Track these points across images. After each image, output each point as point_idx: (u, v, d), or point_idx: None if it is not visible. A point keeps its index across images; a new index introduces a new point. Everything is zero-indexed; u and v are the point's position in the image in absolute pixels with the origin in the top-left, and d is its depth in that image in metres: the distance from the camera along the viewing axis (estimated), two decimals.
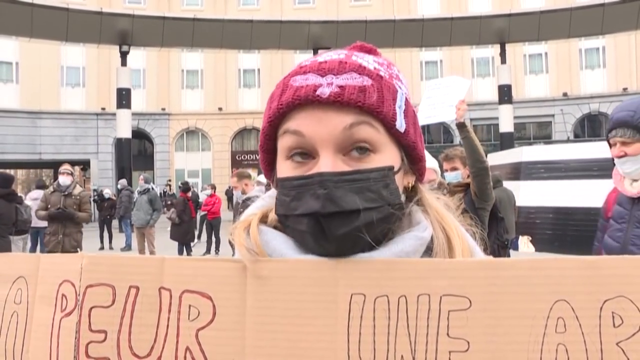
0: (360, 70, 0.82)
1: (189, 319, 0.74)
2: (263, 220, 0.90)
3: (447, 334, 0.69)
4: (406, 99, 0.88)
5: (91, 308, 0.78)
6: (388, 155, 0.83)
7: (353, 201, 0.75)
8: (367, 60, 0.85)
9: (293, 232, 0.81)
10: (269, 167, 0.92)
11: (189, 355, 0.74)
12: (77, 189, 8.51)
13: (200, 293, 0.75)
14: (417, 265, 0.73)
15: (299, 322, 0.72)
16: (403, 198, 0.85)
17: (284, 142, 0.83)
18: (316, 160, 0.80)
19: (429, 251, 0.85)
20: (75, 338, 0.77)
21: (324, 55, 0.87)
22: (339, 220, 0.75)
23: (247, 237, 0.83)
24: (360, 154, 0.80)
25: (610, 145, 2.53)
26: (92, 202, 14.28)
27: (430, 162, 2.41)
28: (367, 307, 0.71)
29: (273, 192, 0.94)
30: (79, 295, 0.78)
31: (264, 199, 0.95)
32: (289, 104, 0.81)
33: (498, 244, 4.52)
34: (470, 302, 0.70)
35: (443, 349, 0.69)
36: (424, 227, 0.85)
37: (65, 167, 8.49)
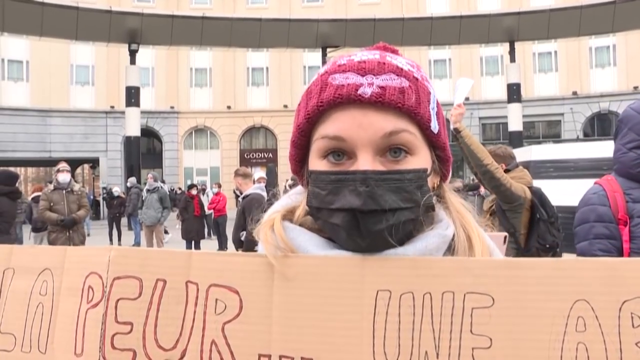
0: (398, 71, 0.83)
1: (215, 312, 0.76)
2: (288, 217, 0.91)
3: (471, 331, 0.71)
4: (437, 100, 0.89)
5: (118, 300, 0.79)
6: (422, 157, 0.84)
7: (392, 200, 0.77)
8: (401, 62, 0.86)
9: (324, 224, 0.82)
10: (300, 164, 0.92)
11: (214, 349, 0.75)
12: (76, 186, 8.78)
13: (228, 287, 0.76)
14: (442, 263, 0.75)
15: (325, 317, 0.73)
16: (435, 200, 0.86)
17: (321, 144, 0.84)
18: (353, 160, 0.81)
19: (450, 249, 0.87)
20: (101, 329, 0.78)
21: (360, 55, 0.87)
22: (375, 218, 0.76)
23: (272, 234, 0.84)
24: (396, 156, 0.82)
25: None
26: (101, 200, 14.38)
27: None
28: (392, 304, 0.73)
29: (299, 189, 0.95)
30: (105, 287, 0.80)
31: (289, 197, 0.96)
32: (329, 102, 0.82)
33: (538, 247, 4.27)
34: (493, 300, 0.71)
35: (466, 345, 0.70)
36: (446, 225, 0.87)
37: (64, 165, 8.64)
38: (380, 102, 0.80)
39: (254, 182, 7.97)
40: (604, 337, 0.69)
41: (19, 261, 0.91)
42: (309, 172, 0.86)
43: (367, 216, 0.76)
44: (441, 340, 0.71)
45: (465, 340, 0.70)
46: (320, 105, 0.82)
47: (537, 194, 4.38)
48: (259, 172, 11.94)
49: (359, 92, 0.80)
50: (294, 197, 0.96)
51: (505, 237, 2.22)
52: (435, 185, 0.91)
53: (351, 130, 0.80)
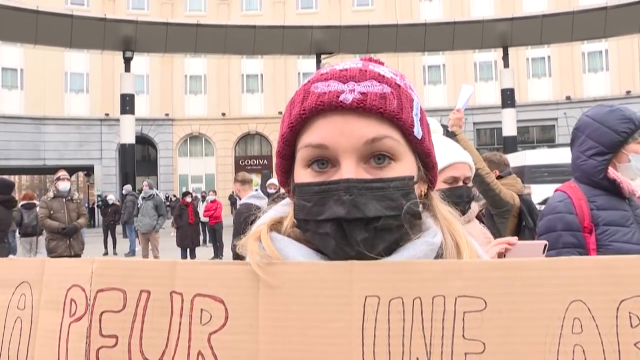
0: (380, 78, 0.84)
1: (200, 322, 0.74)
2: (275, 229, 0.90)
3: (463, 336, 0.69)
4: (420, 107, 0.89)
5: (102, 313, 0.77)
6: (406, 163, 0.84)
7: (376, 208, 0.77)
8: (383, 70, 0.87)
9: (313, 236, 0.82)
10: (286, 175, 0.92)
11: None
12: (76, 194, 8.90)
13: (212, 297, 0.74)
14: (432, 266, 0.73)
15: (313, 325, 0.72)
16: (420, 207, 0.85)
17: (304, 153, 0.84)
18: (336, 168, 0.81)
19: (438, 257, 0.87)
20: (86, 343, 0.77)
21: (342, 64, 0.88)
22: (360, 226, 0.76)
23: (258, 245, 0.84)
24: (380, 163, 0.81)
25: (626, 143, 2.44)
26: (96, 208, 14.37)
27: (465, 156, 2.33)
28: (381, 310, 0.71)
29: (285, 202, 0.95)
30: (89, 299, 0.78)
31: (275, 209, 0.96)
32: (312, 110, 0.82)
33: None
34: (486, 303, 0.69)
35: (459, 351, 0.69)
36: (433, 233, 0.87)
37: (63, 173, 8.66)
38: (361, 108, 0.80)
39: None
40: (601, 338, 0.67)
41: None
42: (293, 185, 0.86)
43: (352, 225, 0.76)
44: (433, 346, 0.69)
45: (457, 345, 0.69)
46: (303, 114, 0.82)
47: (527, 203, 4.47)
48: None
49: (341, 98, 0.80)
50: (280, 208, 0.95)
51: (545, 246, 2.16)
52: (423, 192, 0.91)
53: (333, 138, 0.80)
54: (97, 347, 0.76)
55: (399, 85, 0.85)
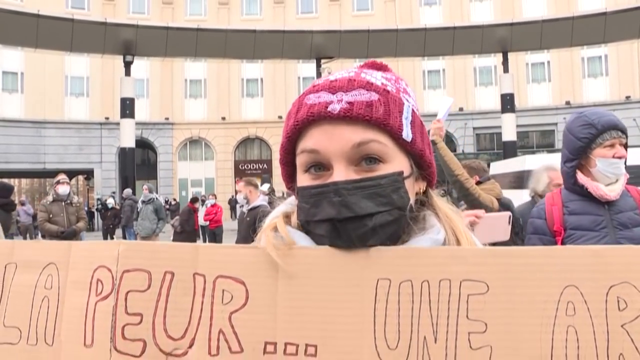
0: (368, 86, 0.89)
1: (222, 302, 0.79)
2: (287, 223, 0.96)
3: (467, 316, 0.75)
4: (413, 110, 0.94)
5: (127, 292, 0.82)
6: (397, 164, 0.89)
7: (366, 206, 0.82)
8: (375, 77, 0.92)
9: (313, 236, 0.88)
10: (290, 179, 0.99)
11: (222, 337, 0.78)
12: (75, 198, 8.88)
13: (234, 278, 0.79)
14: (439, 252, 0.79)
15: (328, 305, 0.77)
16: (413, 201, 0.90)
17: (301, 159, 0.90)
18: (331, 172, 0.87)
19: None
20: (112, 320, 0.81)
21: (336, 74, 0.94)
22: (353, 224, 0.81)
23: (275, 234, 0.89)
24: (370, 165, 0.87)
25: (589, 148, 2.48)
26: (96, 212, 14.36)
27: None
28: (392, 291, 0.76)
29: (292, 198, 1.02)
30: (115, 280, 0.82)
31: (286, 204, 1.02)
32: (303, 121, 0.88)
33: None
34: (488, 286, 0.75)
35: (463, 330, 0.74)
36: (437, 230, 0.92)
37: (63, 177, 8.68)
38: (348, 117, 0.86)
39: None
40: (592, 320, 0.73)
41: (21, 256, 0.92)
42: (296, 189, 0.93)
43: (344, 224, 0.81)
44: (439, 326, 0.75)
45: (461, 325, 0.74)
46: (297, 124, 0.89)
47: (505, 206, 4.74)
48: (265, 186, 11.92)
49: (329, 109, 0.86)
50: (290, 204, 1.01)
51: (509, 217, 2.26)
52: (421, 190, 0.97)
53: (324, 143, 0.87)
54: (123, 324, 0.80)
55: (388, 92, 0.90)
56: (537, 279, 0.74)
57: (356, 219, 0.81)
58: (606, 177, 2.50)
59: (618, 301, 0.73)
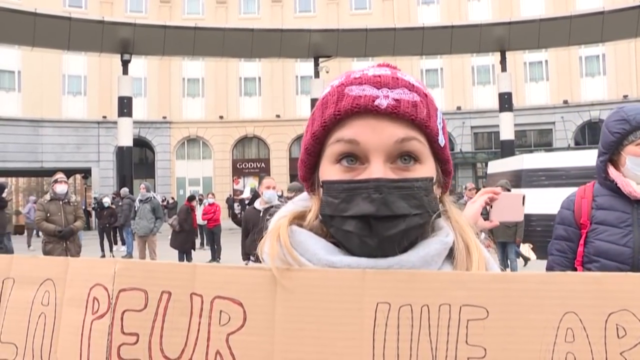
0: (410, 87, 0.89)
1: (219, 323, 0.78)
2: (297, 223, 0.94)
3: (466, 342, 0.74)
4: (443, 117, 0.95)
5: (124, 311, 0.81)
6: (429, 167, 0.89)
7: (403, 206, 0.82)
8: (411, 79, 0.92)
9: (337, 232, 0.86)
10: (310, 171, 0.97)
11: (219, 358, 0.77)
12: (73, 197, 8.91)
13: (231, 299, 0.78)
14: (439, 277, 0.78)
15: (326, 328, 0.76)
16: (441, 207, 0.91)
17: (335, 148, 0.88)
18: (365, 166, 0.86)
19: (450, 255, 0.92)
20: (108, 340, 0.80)
21: (372, 70, 0.92)
22: (388, 223, 0.81)
23: (278, 246, 0.88)
24: (405, 163, 0.87)
25: (621, 144, 2.46)
26: (92, 210, 14.33)
27: None
28: (391, 315, 0.75)
29: (304, 196, 1.00)
30: (111, 298, 0.82)
31: (295, 203, 1.00)
32: (347, 111, 0.87)
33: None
34: (488, 312, 0.75)
35: (462, 356, 0.74)
36: (446, 233, 0.92)
37: (61, 176, 8.66)
38: (395, 114, 0.85)
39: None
40: (591, 347, 0.73)
41: (19, 271, 0.91)
42: (322, 182, 0.91)
43: (380, 222, 0.81)
44: (438, 351, 0.74)
45: (460, 350, 0.74)
46: (338, 114, 0.87)
47: None
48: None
49: (376, 103, 0.85)
50: (300, 203, 1.00)
51: (523, 197, 2.27)
52: (438, 196, 0.96)
53: (366, 135, 0.85)
54: (119, 344, 0.80)
55: (427, 95, 0.91)
56: (536, 305, 0.74)
57: (391, 218, 0.81)
58: (636, 175, 2.46)
59: (617, 328, 0.73)
